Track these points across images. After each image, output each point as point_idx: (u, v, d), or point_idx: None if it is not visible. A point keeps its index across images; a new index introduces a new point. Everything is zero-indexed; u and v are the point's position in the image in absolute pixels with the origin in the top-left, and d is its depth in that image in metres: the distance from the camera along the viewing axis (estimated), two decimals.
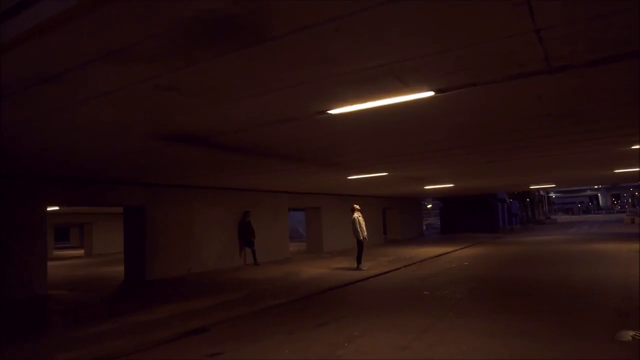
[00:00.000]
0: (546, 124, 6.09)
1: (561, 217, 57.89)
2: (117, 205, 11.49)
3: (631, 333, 4.73)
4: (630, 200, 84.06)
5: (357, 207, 11.73)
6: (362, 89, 4.07)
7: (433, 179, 14.31)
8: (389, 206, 23.46)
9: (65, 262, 18.37)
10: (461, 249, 17.14)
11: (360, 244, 11.38)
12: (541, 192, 53.05)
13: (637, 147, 8.46)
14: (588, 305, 6.32)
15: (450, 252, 15.93)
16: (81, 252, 24.17)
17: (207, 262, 12.39)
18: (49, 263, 18.59)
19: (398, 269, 11.67)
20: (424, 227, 30.93)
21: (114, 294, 9.64)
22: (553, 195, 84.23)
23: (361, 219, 11.46)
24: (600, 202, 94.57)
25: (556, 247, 16.41)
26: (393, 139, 6.60)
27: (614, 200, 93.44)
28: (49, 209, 19.44)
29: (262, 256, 13.86)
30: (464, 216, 27.59)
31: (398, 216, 24.18)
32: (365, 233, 11.44)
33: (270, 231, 14.81)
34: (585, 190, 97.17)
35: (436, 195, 27.67)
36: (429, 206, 57.51)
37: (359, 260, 11.42)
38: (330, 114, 4.82)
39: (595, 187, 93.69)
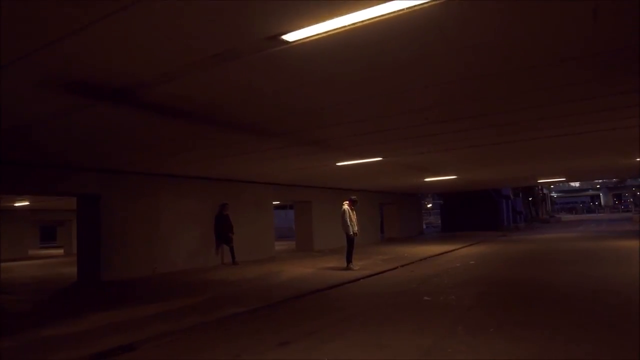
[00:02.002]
0: (588, 77, 4.58)
1: (565, 216, 56.36)
2: (70, 195, 9.95)
3: None
4: (632, 199, 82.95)
5: (354, 198, 10.24)
6: None
7: (434, 168, 12.76)
8: (387, 202, 21.96)
9: (37, 262, 16.82)
10: (464, 247, 15.62)
11: (350, 240, 9.86)
12: (544, 191, 51.69)
13: None
14: None
15: (453, 250, 14.41)
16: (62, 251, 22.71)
17: (177, 261, 10.85)
18: (20, 263, 17.43)
19: (394, 268, 10.16)
20: (424, 226, 29.39)
21: (51, 298, 8.10)
22: (555, 194, 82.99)
23: (352, 212, 9.96)
24: (602, 201, 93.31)
25: (569, 245, 14.88)
26: (384, 98, 5.07)
27: (616, 200, 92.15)
28: (20, 204, 18.21)
29: (244, 254, 12.34)
30: (466, 213, 26.03)
31: (396, 213, 22.66)
32: (356, 228, 9.93)
33: (252, 227, 13.28)
34: (586, 189, 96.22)
35: (437, 190, 26.14)
36: (429, 205, 56.11)
37: (348, 259, 9.91)
38: (286, 41, 3.30)
39: (597, 186, 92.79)
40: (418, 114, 5.95)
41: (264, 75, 4.17)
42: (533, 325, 4.59)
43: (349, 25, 3.08)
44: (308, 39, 3.29)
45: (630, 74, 4.55)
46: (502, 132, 7.43)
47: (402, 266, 10.54)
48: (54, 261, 17.13)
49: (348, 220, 9.79)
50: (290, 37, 3.26)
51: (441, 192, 27.32)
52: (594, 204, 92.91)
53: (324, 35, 3.22)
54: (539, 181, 22.68)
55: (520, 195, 36.39)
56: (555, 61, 4.11)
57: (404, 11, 2.92)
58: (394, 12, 2.92)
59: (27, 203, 17.64)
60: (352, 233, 9.80)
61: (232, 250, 11.87)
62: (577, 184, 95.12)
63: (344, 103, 5.20)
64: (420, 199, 27.94)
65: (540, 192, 48.42)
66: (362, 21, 3.03)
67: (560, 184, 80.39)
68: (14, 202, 16.92)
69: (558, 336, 4.21)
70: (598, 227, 26.66)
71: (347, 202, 10.06)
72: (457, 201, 26.52)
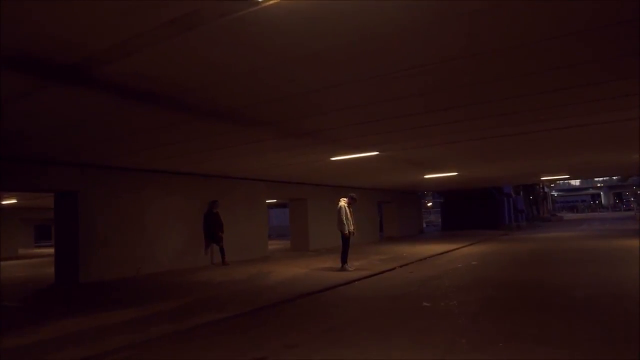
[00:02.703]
0: (587, 56, 4.00)
1: (566, 215, 55.77)
2: (46, 191, 9.38)
3: None
4: (633, 199, 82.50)
5: (354, 195, 9.67)
6: None
7: (434, 164, 12.17)
8: (386, 200, 21.37)
9: (27, 261, 16.26)
10: (465, 246, 15.05)
11: (345, 239, 9.29)
12: (545, 189, 51.10)
13: None
14: None
15: (454, 249, 13.83)
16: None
17: (163, 261, 10.27)
18: (8, 262, 16.84)
19: (392, 269, 9.59)
20: (424, 224, 28.79)
21: (21, 301, 7.47)
22: (555, 193, 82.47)
23: (349, 210, 9.39)
24: (603, 200, 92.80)
25: (576, 244, 14.29)
26: (375, 81, 4.48)
27: (616, 199, 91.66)
28: (7, 202, 17.64)
29: (236, 254, 11.78)
30: (467, 212, 25.44)
31: (395, 211, 22.07)
32: (352, 227, 9.34)
33: (245, 225, 12.70)
34: (587, 188, 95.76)
35: (437, 188, 25.55)
36: (429, 204, 55.57)
37: (344, 260, 9.33)
38: (255, 0, 2.72)
39: (599, 185, 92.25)
40: (415, 100, 5.36)
41: (235, 50, 3.58)
42: (548, 340, 3.99)
43: None
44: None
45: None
46: (505, 122, 6.84)
47: (401, 267, 9.97)
48: (43, 260, 16.53)
49: (344, 218, 9.21)
50: None
51: (441, 190, 26.73)
52: (594, 203, 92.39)
53: None
54: (542, 178, 22.05)
55: (521, 193, 35.80)
56: (560, 33, 3.50)
57: None
58: None
59: (14, 201, 17.10)
60: (347, 232, 9.23)
61: (222, 250, 11.30)
62: (577, 183, 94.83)
63: (331, 86, 4.61)
64: (420, 197, 27.35)
65: (542, 190, 47.83)
66: None
67: (561, 183, 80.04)
68: (1, 201, 16.37)
69: (577, 353, 3.63)
70: (602, 225, 26.06)
71: (346, 199, 9.50)
72: (457, 199, 25.93)
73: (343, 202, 9.42)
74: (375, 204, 20.47)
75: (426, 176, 14.97)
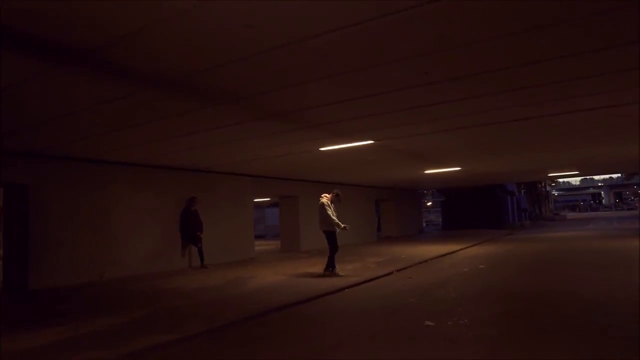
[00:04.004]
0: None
1: (569, 214, 54.73)
2: None
3: None
4: (633, 198, 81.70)
5: (338, 192, 8.63)
6: None
7: (436, 157, 11.03)
8: (384, 198, 20.27)
9: None
10: (469, 247, 13.95)
11: (332, 238, 8.20)
12: (547, 188, 50.10)
13: None
14: None
15: (457, 251, 12.73)
16: None
17: (132, 264, 9.13)
18: None
19: (389, 274, 8.50)
20: (424, 224, 27.66)
21: None
22: (555, 192, 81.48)
23: (331, 208, 8.33)
24: (604, 200, 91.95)
25: (589, 244, 13.18)
26: (365, 36, 3.36)
27: (617, 199, 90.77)
28: None
29: (218, 256, 10.69)
30: (468, 211, 24.33)
31: (394, 210, 20.96)
32: (341, 224, 8.25)
33: (228, 225, 11.58)
34: (587, 187, 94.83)
35: (438, 185, 24.40)
36: (429, 204, 54.52)
37: (332, 263, 8.23)
38: None
39: (600, 184, 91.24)
40: (414, 67, 4.24)
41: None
42: None
43: None
44: None
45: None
46: (512, 101, 5.72)
47: (399, 271, 8.87)
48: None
49: (331, 213, 8.13)
50: None
51: (442, 188, 25.61)
52: (595, 202, 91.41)
53: None
54: (549, 175, 20.91)
55: (522, 192, 34.74)
56: None
57: None
58: None
59: None
60: (335, 229, 8.14)
61: (201, 251, 10.17)
62: (577, 182, 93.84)
63: (303, 39, 3.47)
64: (420, 194, 26.24)
65: (543, 189, 46.78)
66: None
67: (561, 182, 78.93)
68: None
69: None
70: (610, 225, 24.97)
71: (328, 195, 8.45)
72: (459, 197, 24.82)
73: (325, 199, 8.36)
74: (373, 202, 19.36)
75: (427, 171, 13.84)
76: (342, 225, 8.15)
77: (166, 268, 9.72)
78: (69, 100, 4.93)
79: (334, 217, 8.14)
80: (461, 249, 13.05)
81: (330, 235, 8.21)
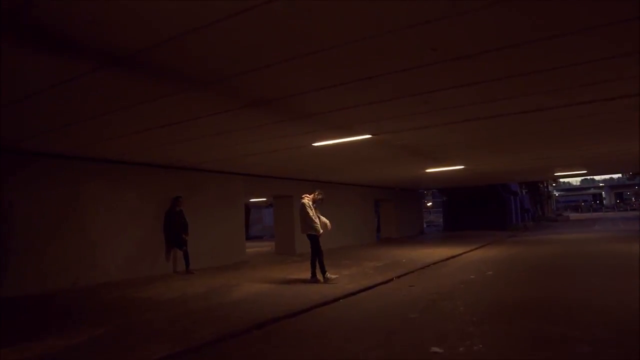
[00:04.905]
0: None
1: (572, 215, 53.99)
2: None
3: None
4: (634, 199, 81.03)
5: (319, 192, 8.00)
6: None
7: (438, 154, 10.29)
8: (383, 198, 19.55)
9: None
10: (473, 250, 13.24)
11: (316, 242, 7.53)
12: (548, 188, 49.38)
13: None
14: None
15: (461, 254, 12.00)
16: None
17: (110, 270, 8.41)
18: None
19: (388, 281, 7.78)
20: (425, 225, 26.93)
21: None
22: (556, 193, 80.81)
23: (312, 207, 7.67)
24: (605, 200, 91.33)
25: (602, 247, 12.44)
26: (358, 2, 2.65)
27: (617, 199, 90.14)
28: None
29: (206, 260, 10.01)
30: (471, 211, 23.59)
31: (394, 210, 20.23)
32: (321, 228, 7.61)
33: (218, 227, 10.86)
34: (588, 188, 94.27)
35: (440, 185, 23.66)
36: (429, 204, 53.85)
37: (322, 269, 7.53)
38: None
39: (601, 184, 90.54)
40: (420, 40, 3.52)
41: None
42: None
43: None
44: None
45: None
46: (522, 90, 5.00)
47: (399, 277, 8.15)
48: None
49: (312, 214, 7.48)
50: None
51: (444, 188, 24.88)
52: (596, 202, 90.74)
53: None
54: (555, 174, 20.16)
55: (523, 192, 34.00)
56: None
57: None
58: None
59: None
60: (317, 232, 7.49)
61: (186, 255, 9.45)
62: (578, 183, 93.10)
63: (264, 6, 2.76)
64: (420, 195, 25.52)
65: (545, 189, 46.05)
66: None
67: (562, 182, 78.15)
68: None
69: None
70: (615, 226, 24.24)
71: (309, 195, 7.82)
72: (461, 197, 24.08)
73: (306, 199, 7.70)
74: (372, 202, 18.64)
75: (428, 170, 13.11)
76: (321, 231, 7.56)
77: (148, 273, 8.99)
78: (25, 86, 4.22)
79: (315, 221, 7.50)
80: (465, 252, 12.33)
81: (314, 238, 7.54)
